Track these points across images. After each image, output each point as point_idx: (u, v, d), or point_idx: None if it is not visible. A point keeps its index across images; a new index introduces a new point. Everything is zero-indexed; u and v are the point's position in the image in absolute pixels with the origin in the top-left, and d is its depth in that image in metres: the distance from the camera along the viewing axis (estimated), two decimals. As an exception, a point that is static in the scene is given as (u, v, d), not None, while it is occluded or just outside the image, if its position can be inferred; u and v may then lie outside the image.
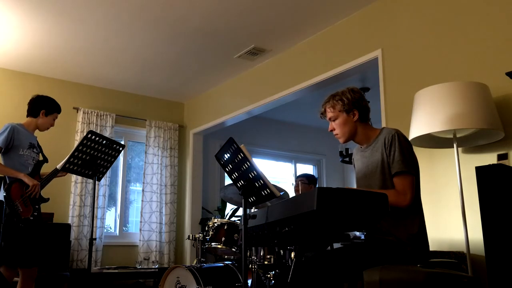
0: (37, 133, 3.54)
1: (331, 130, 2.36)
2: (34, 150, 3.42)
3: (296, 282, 1.97)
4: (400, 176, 2.11)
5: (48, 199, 3.42)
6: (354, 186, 2.44)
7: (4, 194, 3.18)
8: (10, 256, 3.14)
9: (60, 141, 5.28)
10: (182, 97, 6.25)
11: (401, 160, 2.11)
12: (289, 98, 4.75)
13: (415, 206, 2.14)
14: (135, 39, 4.50)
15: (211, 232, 3.52)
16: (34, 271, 3.27)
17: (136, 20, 4.12)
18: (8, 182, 3.24)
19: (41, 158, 3.51)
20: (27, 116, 3.48)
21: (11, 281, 3.19)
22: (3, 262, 3.14)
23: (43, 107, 3.45)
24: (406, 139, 2.19)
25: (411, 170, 2.12)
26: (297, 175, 4.82)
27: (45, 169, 3.50)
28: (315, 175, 7.58)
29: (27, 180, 3.22)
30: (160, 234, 5.70)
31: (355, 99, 2.29)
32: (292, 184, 4.56)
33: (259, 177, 2.12)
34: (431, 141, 2.96)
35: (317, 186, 5.63)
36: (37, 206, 3.30)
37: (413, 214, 2.13)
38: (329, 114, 2.34)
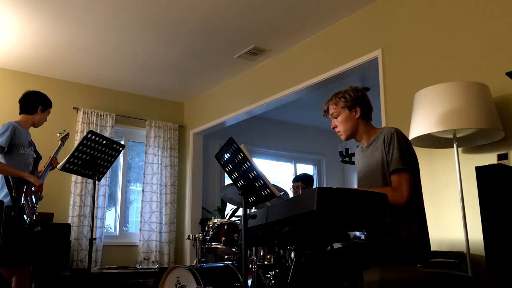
0: (34, 131, 3.52)
1: (334, 128, 2.39)
2: (32, 148, 3.41)
3: (296, 282, 1.97)
4: (397, 174, 2.12)
5: (42, 197, 3.42)
6: (355, 186, 2.44)
7: (14, 194, 3.16)
8: (10, 256, 3.13)
9: (60, 141, 5.27)
10: (182, 97, 6.25)
11: (399, 158, 2.12)
12: (289, 98, 4.75)
13: (415, 206, 2.14)
14: (135, 39, 4.50)
15: (211, 232, 3.52)
16: (28, 270, 3.26)
17: (136, 20, 4.12)
18: (12, 182, 3.21)
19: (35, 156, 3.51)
20: (20, 113, 3.42)
21: (10, 280, 3.19)
22: (4, 262, 3.14)
23: (40, 103, 3.41)
24: (405, 137, 2.20)
25: (409, 168, 2.12)
26: (293, 178, 4.79)
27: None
28: (314, 174, 7.59)
29: (33, 180, 3.21)
30: (160, 234, 5.70)
31: (357, 97, 2.32)
32: (290, 189, 4.55)
33: (259, 177, 2.12)
34: (431, 141, 2.96)
35: (315, 185, 5.62)
36: (37, 206, 3.31)
37: (413, 214, 2.12)
38: (332, 111, 2.38)
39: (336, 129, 2.38)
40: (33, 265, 3.31)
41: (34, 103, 3.41)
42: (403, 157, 2.12)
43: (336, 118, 2.36)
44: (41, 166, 3.49)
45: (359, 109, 2.31)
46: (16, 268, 3.21)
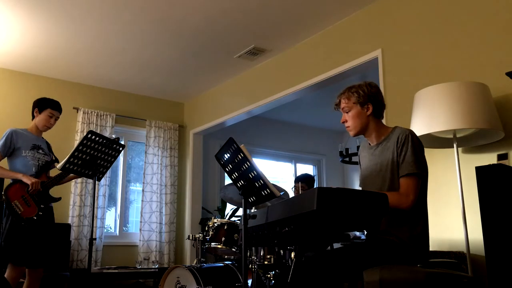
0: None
1: (343, 122, 2.33)
2: (40, 151, 3.45)
3: (296, 282, 1.97)
4: (407, 178, 2.09)
5: (60, 198, 3.47)
6: (355, 186, 2.43)
7: (2, 195, 3.22)
8: (15, 255, 3.16)
9: (60, 141, 5.27)
10: (182, 97, 6.25)
11: (412, 162, 2.08)
12: (289, 98, 4.75)
13: (420, 207, 2.12)
14: (135, 39, 4.50)
15: (211, 232, 3.52)
16: (40, 272, 3.30)
17: (136, 20, 4.12)
18: (13, 183, 3.29)
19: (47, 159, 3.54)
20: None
21: (17, 281, 3.20)
22: (8, 261, 3.17)
23: (35, 106, 3.51)
24: (419, 140, 2.16)
25: (421, 173, 2.09)
26: (296, 177, 4.79)
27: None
28: (315, 175, 7.59)
29: (25, 179, 3.24)
30: (160, 234, 5.70)
31: (371, 93, 2.25)
32: (292, 188, 4.55)
33: (259, 177, 2.12)
34: (431, 141, 2.96)
35: (315, 185, 5.61)
36: (42, 206, 3.30)
37: (417, 215, 2.11)
38: (343, 104, 2.30)
39: (346, 124, 2.31)
40: (43, 267, 3.33)
41: (32, 109, 3.53)
42: (416, 161, 2.08)
43: (347, 112, 2.29)
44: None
45: (371, 106, 2.25)
46: (27, 270, 3.25)
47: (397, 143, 2.14)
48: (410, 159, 2.09)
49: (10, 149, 3.34)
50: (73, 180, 5.22)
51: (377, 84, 2.33)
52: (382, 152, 2.23)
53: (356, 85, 2.30)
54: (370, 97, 2.25)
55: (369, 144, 2.35)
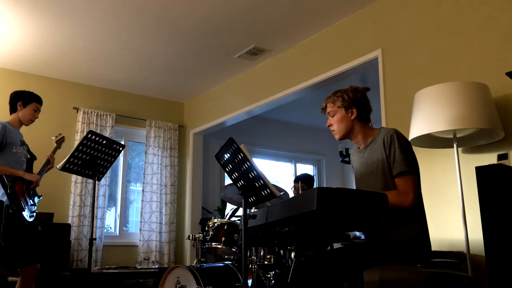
0: (34, 132, 3.54)
1: (329, 126, 2.38)
2: (24, 147, 3.41)
3: (296, 282, 1.97)
4: (402, 177, 2.10)
5: (41, 196, 3.43)
6: (354, 187, 2.44)
7: (9, 192, 3.15)
8: (11, 257, 3.13)
9: (60, 141, 5.27)
10: (182, 97, 6.25)
11: (402, 160, 2.10)
12: (289, 98, 4.75)
13: (417, 206, 2.13)
14: (135, 39, 4.50)
15: (211, 232, 3.52)
16: (35, 269, 3.26)
17: (136, 20, 4.12)
18: (7, 181, 3.22)
19: (28, 156, 3.51)
20: (10, 115, 3.46)
21: (7, 278, 3.18)
22: (3, 263, 3.13)
23: (19, 99, 3.43)
24: (404, 138, 2.18)
25: (413, 170, 2.11)
26: (295, 177, 4.79)
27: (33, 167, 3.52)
28: (315, 175, 7.59)
29: (28, 176, 3.22)
30: (160, 234, 5.70)
31: (356, 98, 2.30)
32: (292, 189, 4.55)
33: (259, 177, 2.12)
34: (431, 141, 2.96)
35: (315, 185, 5.61)
36: (35, 204, 3.32)
37: (415, 214, 2.12)
38: (328, 108, 2.37)
39: (331, 128, 2.37)
40: (39, 264, 3.30)
41: (13, 101, 3.45)
42: (406, 159, 2.10)
43: (332, 116, 2.35)
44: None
45: (355, 110, 2.29)
46: (23, 268, 3.21)
47: (384, 145, 2.17)
48: (400, 158, 2.11)
49: (3, 143, 3.23)
50: (73, 180, 5.23)
51: (363, 89, 2.37)
52: (370, 154, 2.25)
53: (342, 90, 2.35)
54: (354, 102, 2.29)
55: (358, 148, 2.38)
